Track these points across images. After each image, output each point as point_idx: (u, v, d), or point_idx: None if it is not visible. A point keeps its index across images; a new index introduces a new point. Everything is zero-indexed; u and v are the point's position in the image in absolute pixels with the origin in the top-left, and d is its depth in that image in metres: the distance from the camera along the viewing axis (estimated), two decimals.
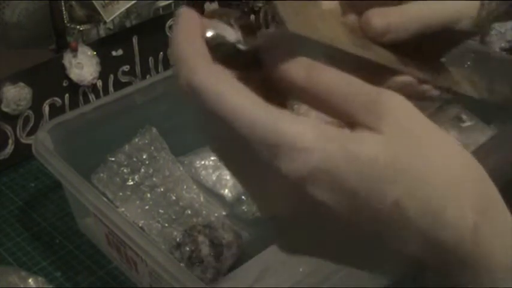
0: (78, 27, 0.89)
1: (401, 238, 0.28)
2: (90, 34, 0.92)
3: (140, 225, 0.69)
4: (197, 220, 0.70)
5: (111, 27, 0.94)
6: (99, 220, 0.61)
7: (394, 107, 0.31)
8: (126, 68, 0.92)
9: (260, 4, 1.04)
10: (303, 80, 0.32)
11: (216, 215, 0.72)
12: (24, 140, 0.84)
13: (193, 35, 0.32)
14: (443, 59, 0.54)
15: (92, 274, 0.68)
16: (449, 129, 0.80)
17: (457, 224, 0.28)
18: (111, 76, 0.91)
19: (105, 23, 0.91)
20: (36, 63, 0.83)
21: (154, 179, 0.75)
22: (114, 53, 0.91)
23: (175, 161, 0.77)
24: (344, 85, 0.31)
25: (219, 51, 0.34)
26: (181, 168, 0.77)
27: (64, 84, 0.86)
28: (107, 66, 0.90)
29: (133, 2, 0.89)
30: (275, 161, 0.28)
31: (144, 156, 0.75)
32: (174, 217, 0.71)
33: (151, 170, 0.75)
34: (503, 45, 1.02)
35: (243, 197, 0.74)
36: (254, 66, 0.34)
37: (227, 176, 0.76)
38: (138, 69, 0.94)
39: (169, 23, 0.95)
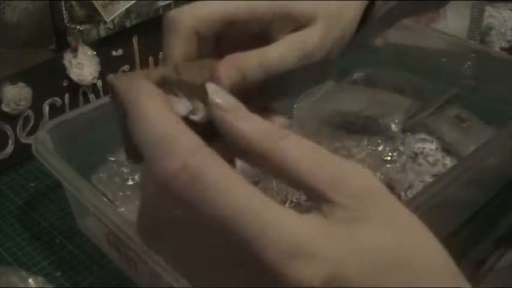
0: (78, 27, 0.89)
1: None
2: (90, 34, 0.92)
3: None
4: None
5: (111, 27, 0.93)
6: (99, 220, 0.61)
7: (367, 185, 0.29)
8: (126, 67, 0.92)
9: None
10: (261, 149, 0.30)
11: None
12: (24, 140, 0.84)
13: (168, 113, 0.30)
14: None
15: (92, 274, 0.68)
16: (450, 129, 0.80)
17: None
18: (112, 76, 0.91)
19: (105, 22, 0.91)
20: (36, 63, 0.83)
21: None
22: (114, 53, 0.91)
23: None
24: (309, 156, 0.30)
25: None
26: None
27: (64, 84, 0.86)
28: (107, 66, 0.90)
29: (133, 1, 0.89)
30: (281, 267, 0.26)
31: None
32: None
33: None
34: (503, 45, 1.02)
35: None
36: (214, 134, 0.32)
37: None
38: (138, 69, 0.94)
39: None
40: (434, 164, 0.75)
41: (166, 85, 0.33)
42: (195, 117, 0.33)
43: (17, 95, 0.81)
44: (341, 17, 0.47)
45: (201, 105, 0.34)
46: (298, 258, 0.26)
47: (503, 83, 0.84)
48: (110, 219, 0.59)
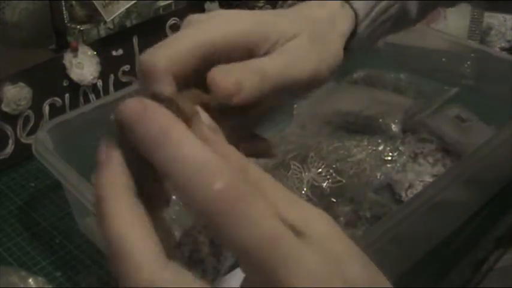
0: (78, 27, 0.89)
1: None
2: (90, 34, 0.92)
3: None
4: (195, 222, 0.70)
5: (112, 27, 0.94)
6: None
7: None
8: (126, 67, 0.92)
9: (260, 4, 1.04)
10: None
11: None
12: (24, 140, 0.84)
13: (134, 220, 0.28)
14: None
15: (91, 274, 0.68)
16: (450, 129, 0.80)
17: None
18: (112, 76, 0.91)
19: (105, 22, 0.91)
20: (36, 63, 0.83)
21: None
22: (114, 53, 0.91)
23: None
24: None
25: None
26: None
27: (64, 84, 0.86)
28: (107, 66, 0.90)
29: (133, 1, 0.89)
30: None
31: None
32: (174, 217, 0.71)
33: None
34: (503, 44, 1.02)
35: None
36: None
37: None
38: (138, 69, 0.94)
39: (169, 22, 0.95)
40: (434, 164, 0.75)
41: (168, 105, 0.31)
42: None
43: (17, 95, 0.81)
44: (322, 35, 0.46)
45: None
46: None
47: (503, 82, 0.84)
48: None
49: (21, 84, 0.81)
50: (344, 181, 0.72)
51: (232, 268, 0.64)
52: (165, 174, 0.27)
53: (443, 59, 0.91)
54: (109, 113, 0.75)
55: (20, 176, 0.83)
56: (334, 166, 0.74)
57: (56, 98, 0.86)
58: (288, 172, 0.73)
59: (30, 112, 0.83)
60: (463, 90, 0.90)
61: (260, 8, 1.04)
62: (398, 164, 0.76)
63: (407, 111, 0.83)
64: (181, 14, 0.96)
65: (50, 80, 0.85)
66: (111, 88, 0.91)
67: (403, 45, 0.92)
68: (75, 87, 0.87)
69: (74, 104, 0.87)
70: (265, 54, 0.41)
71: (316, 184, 0.72)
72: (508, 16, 1.05)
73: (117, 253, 0.27)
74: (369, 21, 0.51)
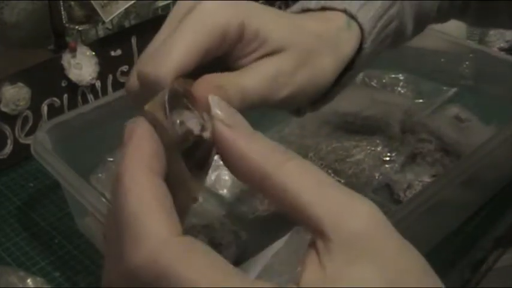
0: (77, 27, 0.89)
1: None
2: (89, 34, 0.92)
3: None
4: (196, 220, 0.70)
5: (110, 27, 0.93)
6: (98, 220, 0.61)
7: (369, 225, 0.27)
8: (125, 68, 0.92)
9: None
10: (260, 173, 0.28)
11: (215, 215, 0.72)
12: (23, 140, 0.84)
13: (151, 194, 0.27)
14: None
15: (90, 274, 0.68)
16: (449, 129, 0.80)
17: None
18: (110, 76, 0.91)
19: (103, 23, 0.91)
20: (34, 63, 0.83)
21: None
22: (113, 53, 0.91)
23: None
24: (312, 187, 0.28)
25: (186, 142, 0.29)
26: None
27: (63, 85, 0.86)
28: (106, 67, 0.90)
29: (132, 2, 0.89)
30: None
31: None
32: None
33: None
34: (502, 45, 1.02)
35: (242, 197, 0.74)
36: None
37: (226, 176, 0.76)
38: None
39: None
40: (433, 164, 0.75)
41: (176, 99, 0.31)
42: (206, 134, 0.30)
43: (16, 95, 0.81)
44: (318, 53, 0.44)
45: (209, 120, 0.31)
46: None
47: (502, 83, 0.84)
48: None
49: (20, 84, 0.81)
50: (343, 181, 0.72)
51: None
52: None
53: (442, 59, 0.91)
54: (108, 114, 0.75)
55: (18, 176, 0.83)
56: (333, 166, 0.74)
57: (55, 99, 0.86)
58: None
59: (28, 112, 0.83)
60: (462, 90, 0.90)
61: None
62: (397, 164, 0.76)
63: (406, 111, 0.83)
64: None
65: (49, 80, 0.85)
66: (110, 88, 0.91)
67: (402, 45, 0.92)
68: (73, 88, 0.87)
69: (73, 105, 0.87)
70: (247, 55, 0.40)
71: None
72: None
73: (124, 222, 0.27)
74: (374, 36, 0.50)
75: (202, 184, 0.32)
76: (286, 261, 0.54)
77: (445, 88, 0.90)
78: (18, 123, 0.83)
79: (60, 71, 0.85)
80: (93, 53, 0.88)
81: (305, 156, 0.74)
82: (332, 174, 0.73)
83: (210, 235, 0.66)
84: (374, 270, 0.26)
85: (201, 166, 0.31)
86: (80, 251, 0.71)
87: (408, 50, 0.90)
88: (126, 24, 0.95)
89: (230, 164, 0.30)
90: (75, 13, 0.89)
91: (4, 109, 0.80)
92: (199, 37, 0.37)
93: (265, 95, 0.40)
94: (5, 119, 0.81)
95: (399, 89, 0.91)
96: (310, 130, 0.81)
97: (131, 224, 0.26)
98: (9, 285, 0.63)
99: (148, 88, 0.35)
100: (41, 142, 0.68)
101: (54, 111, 0.85)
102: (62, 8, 0.87)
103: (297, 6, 0.49)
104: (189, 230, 0.67)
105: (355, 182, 0.73)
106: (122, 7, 0.88)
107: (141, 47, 0.94)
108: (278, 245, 0.57)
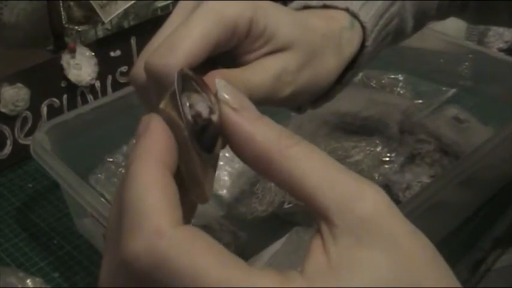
0: (76, 27, 0.89)
1: None
2: (88, 35, 0.92)
3: None
4: (195, 220, 0.70)
5: (109, 27, 0.93)
6: (97, 221, 0.61)
7: (376, 210, 0.27)
8: (124, 68, 0.92)
9: None
10: (267, 157, 0.28)
11: (214, 215, 0.72)
12: (22, 141, 0.84)
13: (156, 184, 0.27)
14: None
15: (89, 275, 0.68)
16: (448, 129, 0.80)
17: None
18: (109, 77, 0.91)
19: (103, 23, 0.91)
20: (34, 64, 0.83)
21: None
22: (112, 54, 0.91)
23: None
24: (319, 170, 0.28)
25: (195, 126, 0.29)
26: None
27: (62, 85, 0.86)
28: (105, 67, 0.90)
29: (131, 2, 0.89)
30: None
31: None
32: None
33: None
34: (501, 45, 1.02)
35: (241, 197, 0.74)
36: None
37: (225, 176, 0.76)
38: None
39: None
40: (432, 165, 0.75)
41: (186, 82, 0.31)
42: (214, 117, 0.30)
43: (15, 95, 0.81)
44: (322, 52, 0.44)
45: (217, 103, 0.31)
46: None
47: (501, 83, 0.85)
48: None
49: (19, 85, 0.81)
50: None
51: None
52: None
53: (441, 60, 0.91)
54: (107, 114, 0.75)
55: (17, 177, 0.83)
56: None
57: (54, 99, 0.86)
58: None
59: (28, 113, 0.83)
60: (461, 91, 0.90)
61: None
62: (396, 165, 0.76)
63: (405, 112, 0.83)
64: None
65: (48, 81, 0.85)
66: (109, 89, 0.91)
67: (401, 45, 0.92)
68: (73, 88, 0.87)
69: (72, 105, 0.87)
70: (252, 51, 0.40)
71: None
72: None
73: (126, 207, 0.26)
74: (375, 34, 0.50)
75: (212, 182, 0.32)
76: (285, 261, 0.54)
77: (444, 89, 0.90)
78: (18, 123, 0.83)
79: (59, 72, 0.85)
80: (93, 54, 0.88)
81: None
82: None
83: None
84: (381, 254, 0.26)
85: (209, 150, 0.31)
86: (79, 251, 0.71)
87: (407, 50, 0.90)
88: (126, 24, 0.95)
89: (236, 147, 0.30)
90: (75, 13, 0.89)
91: (3, 110, 0.80)
92: (211, 29, 0.36)
93: (270, 93, 0.40)
94: (4, 119, 0.81)
95: (398, 89, 0.91)
96: (308, 130, 0.81)
97: (133, 209, 0.26)
98: (9, 286, 0.63)
99: (156, 80, 0.35)
100: (40, 143, 0.68)
101: (53, 112, 0.85)
102: (61, 8, 0.87)
103: (297, 3, 0.49)
104: None
105: None
106: (121, 8, 0.88)
107: (141, 48, 0.94)
108: (277, 245, 0.57)
